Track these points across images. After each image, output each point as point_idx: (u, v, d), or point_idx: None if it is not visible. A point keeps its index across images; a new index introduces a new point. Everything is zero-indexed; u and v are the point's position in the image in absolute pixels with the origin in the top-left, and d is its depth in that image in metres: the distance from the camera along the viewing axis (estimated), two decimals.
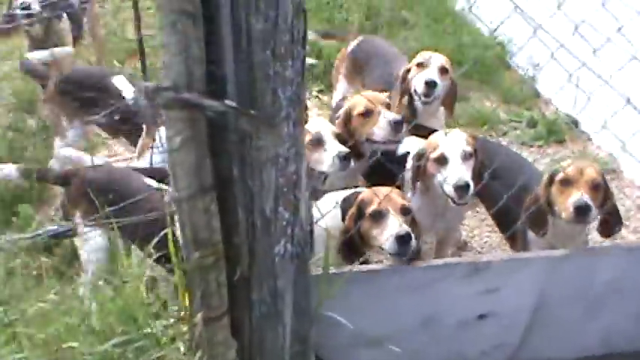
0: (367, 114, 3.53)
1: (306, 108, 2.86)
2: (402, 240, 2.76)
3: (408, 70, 3.98)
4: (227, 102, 1.97)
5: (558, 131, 5.23)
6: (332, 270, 2.66)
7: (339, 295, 2.62)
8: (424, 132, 3.52)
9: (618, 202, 4.44)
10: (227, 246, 2.25)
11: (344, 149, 3.27)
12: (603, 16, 3.18)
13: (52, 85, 4.25)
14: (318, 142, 3.31)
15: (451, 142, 3.23)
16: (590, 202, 2.89)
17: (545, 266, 2.84)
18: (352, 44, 4.87)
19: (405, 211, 2.88)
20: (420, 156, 3.28)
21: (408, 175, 3.41)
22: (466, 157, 3.20)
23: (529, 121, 5.35)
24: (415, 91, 3.91)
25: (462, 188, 3.12)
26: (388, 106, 3.60)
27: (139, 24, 4.29)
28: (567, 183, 2.97)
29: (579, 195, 2.89)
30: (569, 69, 2.99)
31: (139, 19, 4.31)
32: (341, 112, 3.68)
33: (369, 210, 2.86)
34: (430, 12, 6.90)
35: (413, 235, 2.79)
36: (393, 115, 3.49)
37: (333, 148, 3.29)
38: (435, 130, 3.52)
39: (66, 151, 4.18)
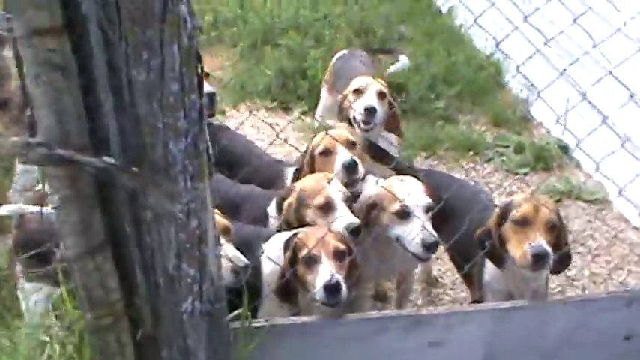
0: (326, 153, 3.29)
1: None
2: (332, 289, 2.58)
3: (346, 97, 3.84)
4: (105, 158, 1.83)
5: (546, 158, 5.01)
6: (262, 321, 2.52)
7: (268, 349, 2.48)
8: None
9: (602, 235, 4.30)
10: (129, 305, 2.12)
11: (355, 221, 2.90)
12: (607, 47, 3.03)
13: None
14: (327, 208, 2.95)
15: (412, 195, 2.97)
16: (548, 249, 2.69)
17: (492, 318, 2.67)
18: (336, 56, 4.81)
19: (339, 256, 2.69)
20: (373, 206, 3.05)
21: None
22: (428, 210, 2.98)
23: (516, 146, 5.14)
24: (354, 118, 3.76)
25: (430, 246, 2.89)
26: (353, 144, 3.38)
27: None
28: (522, 223, 2.76)
29: (537, 241, 2.69)
30: (563, 93, 2.88)
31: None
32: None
33: (301, 254, 2.70)
34: (426, 27, 6.72)
35: (344, 284, 2.60)
36: (346, 157, 3.20)
37: (344, 219, 2.91)
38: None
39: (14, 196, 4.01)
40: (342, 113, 3.87)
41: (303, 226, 2.92)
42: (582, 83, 4.48)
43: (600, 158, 2.94)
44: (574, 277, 4.01)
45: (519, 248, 2.73)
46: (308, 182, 3.03)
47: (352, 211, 2.97)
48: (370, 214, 3.04)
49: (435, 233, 2.89)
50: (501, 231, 2.84)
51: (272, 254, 2.80)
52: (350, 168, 3.16)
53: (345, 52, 4.89)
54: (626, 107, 3.21)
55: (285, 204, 3.02)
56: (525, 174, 4.94)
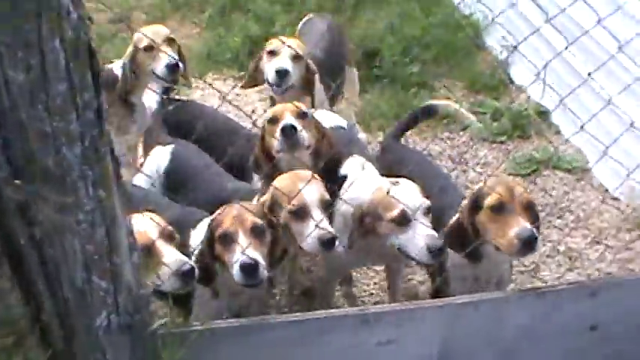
0: (273, 121, 3.09)
1: None
2: (248, 269, 2.42)
3: (261, 58, 3.79)
4: None
5: (524, 125, 4.79)
6: (195, 325, 2.35)
7: (203, 354, 2.31)
8: None
9: (580, 207, 4.12)
10: (37, 322, 1.95)
11: (328, 232, 2.65)
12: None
13: None
14: (301, 214, 2.72)
15: (409, 197, 2.75)
16: (534, 231, 2.54)
17: (446, 314, 2.50)
18: (302, 21, 4.63)
19: (257, 233, 2.52)
20: (364, 214, 2.83)
21: (338, 220, 3.01)
22: (428, 211, 2.77)
23: (494, 112, 4.91)
24: (268, 80, 3.70)
25: (437, 252, 2.68)
26: (304, 115, 3.13)
27: None
28: (501, 209, 2.59)
29: (523, 225, 2.52)
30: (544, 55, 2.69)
31: None
32: None
33: (218, 232, 2.53)
34: None
35: (262, 263, 2.44)
36: (286, 122, 3.02)
37: (316, 232, 2.65)
38: None
39: None
40: (258, 75, 3.82)
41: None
42: (560, 45, 4.25)
43: (581, 121, 2.74)
44: (549, 254, 3.83)
45: (503, 236, 2.56)
46: (284, 182, 2.78)
47: (331, 215, 2.81)
48: (363, 223, 2.83)
49: (438, 236, 2.70)
50: (476, 221, 2.67)
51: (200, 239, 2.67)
52: (287, 132, 2.97)
53: (310, 15, 4.65)
54: (606, 69, 2.99)
55: (260, 201, 2.84)
56: (502, 142, 4.73)
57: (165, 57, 3.59)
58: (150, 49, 3.64)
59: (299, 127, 2.99)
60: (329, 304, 3.33)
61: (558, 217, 4.11)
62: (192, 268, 2.44)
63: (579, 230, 4.00)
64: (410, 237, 2.71)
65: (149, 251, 2.42)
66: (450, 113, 4.17)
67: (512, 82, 5.33)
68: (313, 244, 2.62)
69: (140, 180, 3.35)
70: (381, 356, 2.52)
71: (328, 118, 3.51)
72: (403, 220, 2.72)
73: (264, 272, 2.45)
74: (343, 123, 3.57)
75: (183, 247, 2.58)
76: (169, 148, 3.42)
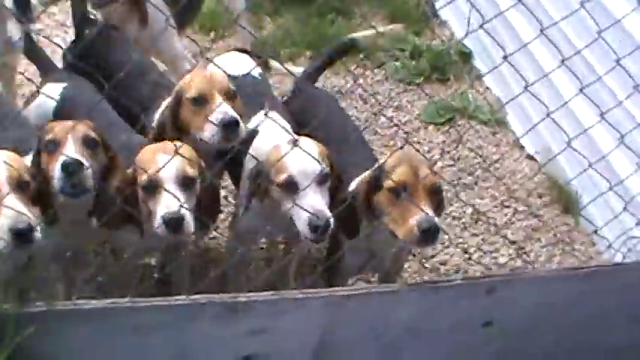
0: (199, 101, 2.59)
1: None
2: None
3: None
4: None
5: (444, 66, 4.46)
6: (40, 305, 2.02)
7: (47, 338, 2.03)
8: None
9: (492, 163, 3.86)
10: None
11: (175, 211, 2.25)
12: None
13: None
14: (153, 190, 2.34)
15: (301, 161, 2.37)
16: (436, 221, 2.24)
17: (327, 305, 2.21)
18: None
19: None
20: (259, 172, 2.46)
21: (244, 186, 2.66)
22: (322, 181, 2.38)
23: (413, 49, 4.55)
24: None
25: (318, 229, 2.30)
26: (233, 95, 2.66)
27: None
28: (400, 191, 2.28)
29: (425, 213, 2.22)
30: None
31: None
32: None
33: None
34: None
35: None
36: (225, 115, 2.50)
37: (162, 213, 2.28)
38: None
39: None
40: None
41: None
42: None
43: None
44: (455, 215, 3.58)
45: (402, 223, 2.27)
46: (145, 153, 2.38)
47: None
48: (256, 183, 2.46)
49: (327, 212, 2.31)
50: (374, 201, 2.37)
51: None
52: (229, 127, 2.50)
53: None
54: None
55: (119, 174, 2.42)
56: (418, 84, 4.38)
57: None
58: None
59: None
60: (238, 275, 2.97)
61: (469, 174, 3.85)
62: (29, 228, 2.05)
63: (490, 190, 3.76)
64: (295, 207, 2.37)
65: None
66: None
67: (436, 16, 4.96)
68: (160, 227, 2.25)
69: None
70: (251, 346, 2.23)
71: (235, 64, 3.02)
72: (290, 187, 2.37)
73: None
74: (255, 71, 3.03)
75: None
76: (60, 87, 2.90)
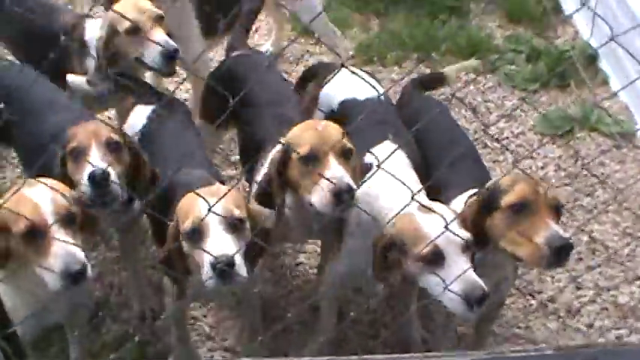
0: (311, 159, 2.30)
1: None
2: (96, 180, 2.18)
3: None
4: None
5: (564, 71, 4.05)
6: None
7: None
8: None
9: (616, 183, 3.47)
10: None
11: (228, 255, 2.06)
12: None
13: None
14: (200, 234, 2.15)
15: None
16: (568, 236, 2.07)
17: None
18: None
19: (112, 148, 2.29)
20: (390, 246, 2.17)
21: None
22: (467, 248, 2.11)
23: (530, 51, 4.17)
24: None
25: (475, 302, 2.04)
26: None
27: None
28: (522, 209, 2.09)
29: (551, 228, 2.05)
30: None
31: None
32: None
33: (69, 146, 2.29)
34: None
35: (114, 177, 2.21)
36: (343, 182, 2.19)
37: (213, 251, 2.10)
38: None
39: None
40: None
41: None
42: None
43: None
44: None
45: (526, 243, 2.08)
46: (185, 200, 2.18)
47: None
48: (387, 257, 2.19)
49: (482, 283, 2.05)
50: (487, 224, 2.16)
51: None
52: (341, 195, 2.16)
53: None
54: None
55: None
56: (535, 91, 4.01)
57: (161, 42, 2.76)
58: (134, 32, 2.80)
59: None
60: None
61: (587, 195, 3.45)
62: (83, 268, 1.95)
63: (610, 216, 3.35)
64: (441, 280, 2.07)
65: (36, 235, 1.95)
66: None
67: (561, 12, 4.53)
68: (210, 278, 2.05)
69: None
70: None
71: (356, 85, 2.69)
72: (434, 259, 2.08)
73: (115, 191, 2.23)
74: (378, 89, 2.68)
75: None
76: (149, 109, 2.79)
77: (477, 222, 2.17)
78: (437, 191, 2.39)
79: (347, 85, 2.70)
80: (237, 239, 2.07)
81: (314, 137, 2.21)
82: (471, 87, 4.06)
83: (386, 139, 2.51)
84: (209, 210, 1.90)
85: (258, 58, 3.12)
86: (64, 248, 1.92)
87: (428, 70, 4.13)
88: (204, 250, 2.00)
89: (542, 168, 3.59)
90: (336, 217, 2.34)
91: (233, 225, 2.07)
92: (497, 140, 3.61)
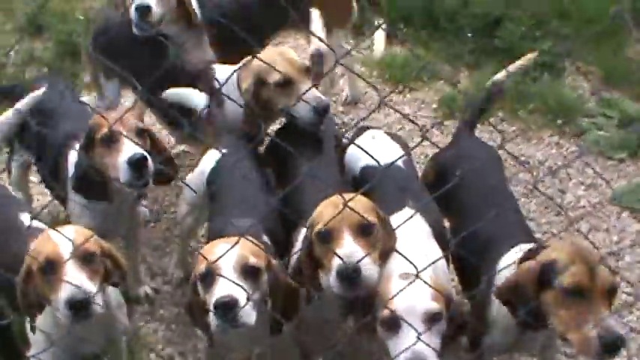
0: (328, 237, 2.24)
1: None
2: (135, 163, 2.42)
3: None
4: None
5: None
6: None
7: None
8: None
9: None
10: None
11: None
12: None
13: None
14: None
15: (408, 296, 2.07)
16: (621, 332, 2.00)
17: None
18: None
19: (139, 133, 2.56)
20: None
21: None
22: (432, 319, 2.08)
23: (622, 117, 3.98)
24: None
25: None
26: None
27: None
28: (576, 294, 2.02)
29: (605, 322, 1.98)
30: None
31: None
32: None
33: (98, 135, 2.52)
34: None
35: (149, 160, 2.45)
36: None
37: None
38: None
39: None
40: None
41: None
42: None
43: None
44: (635, 327, 3.02)
45: (576, 330, 2.02)
46: (206, 247, 2.25)
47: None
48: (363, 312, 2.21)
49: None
50: (541, 296, 2.10)
51: None
52: (349, 279, 2.12)
53: None
54: None
55: None
56: (621, 160, 3.82)
57: (312, 98, 2.77)
58: (284, 85, 2.82)
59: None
60: None
61: None
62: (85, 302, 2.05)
63: None
64: (395, 347, 2.06)
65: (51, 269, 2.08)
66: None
67: None
68: (213, 319, 2.08)
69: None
70: None
71: (378, 149, 2.69)
72: (390, 324, 2.08)
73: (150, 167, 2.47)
74: (399, 152, 2.75)
75: None
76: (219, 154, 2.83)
77: (529, 291, 2.10)
78: (479, 242, 2.37)
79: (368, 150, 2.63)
80: (250, 287, 2.07)
81: (331, 214, 2.13)
82: (553, 150, 3.92)
83: (405, 206, 2.45)
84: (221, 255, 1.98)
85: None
86: (72, 279, 2.03)
87: (512, 129, 4.05)
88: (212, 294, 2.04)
89: (616, 243, 3.41)
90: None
91: (246, 271, 2.08)
92: (560, 207, 3.45)
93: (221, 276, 2.04)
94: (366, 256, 2.08)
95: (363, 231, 2.15)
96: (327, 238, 2.16)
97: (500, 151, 3.41)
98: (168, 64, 2.95)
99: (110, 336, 2.47)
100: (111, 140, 2.48)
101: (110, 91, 3.46)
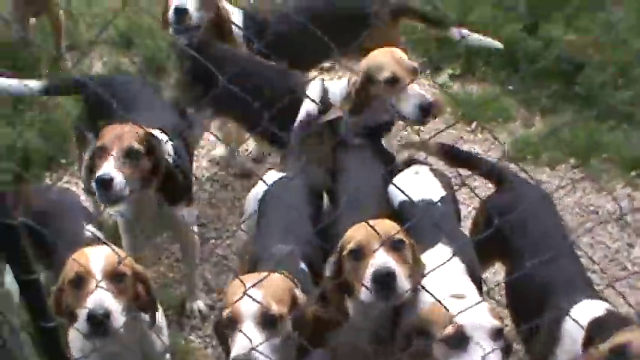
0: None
1: None
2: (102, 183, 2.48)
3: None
4: None
5: None
6: None
7: None
8: None
9: None
10: None
11: None
12: None
13: None
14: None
15: (471, 314, 2.03)
16: None
17: None
18: None
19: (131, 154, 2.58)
20: (416, 333, 2.18)
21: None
22: (496, 335, 2.06)
23: None
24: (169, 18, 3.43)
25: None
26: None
27: None
28: None
29: None
30: None
31: None
32: None
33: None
34: None
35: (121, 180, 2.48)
36: None
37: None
38: None
39: None
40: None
41: None
42: None
43: None
44: None
45: None
46: (234, 285, 2.21)
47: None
48: (411, 343, 2.17)
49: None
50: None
51: None
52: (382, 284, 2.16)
53: None
54: None
55: None
56: None
57: (416, 95, 3.03)
58: (393, 82, 3.04)
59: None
60: None
61: None
62: (104, 319, 2.09)
63: None
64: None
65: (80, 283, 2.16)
66: None
67: None
68: None
69: None
70: None
71: (416, 186, 2.75)
72: (457, 341, 2.04)
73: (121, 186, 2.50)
74: (435, 193, 2.75)
75: None
76: (278, 176, 2.90)
77: None
78: (535, 286, 2.38)
79: (407, 186, 2.63)
80: (270, 335, 2.05)
81: (363, 233, 2.18)
82: (624, 203, 3.83)
83: (438, 242, 2.45)
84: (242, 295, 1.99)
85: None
86: (96, 294, 2.10)
87: (579, 178, 3.98)
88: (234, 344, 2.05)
89: None
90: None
91: (265, 321, 2.06)
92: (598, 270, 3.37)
93: (241, 332, 2.03)
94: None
95: (394, 246, 2.18)
96: (359, 255, 2.19)
97: (569, 199, 3.39)
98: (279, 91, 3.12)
99: (149, 355, 2.49)
100: (101, 154, 2.55)
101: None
